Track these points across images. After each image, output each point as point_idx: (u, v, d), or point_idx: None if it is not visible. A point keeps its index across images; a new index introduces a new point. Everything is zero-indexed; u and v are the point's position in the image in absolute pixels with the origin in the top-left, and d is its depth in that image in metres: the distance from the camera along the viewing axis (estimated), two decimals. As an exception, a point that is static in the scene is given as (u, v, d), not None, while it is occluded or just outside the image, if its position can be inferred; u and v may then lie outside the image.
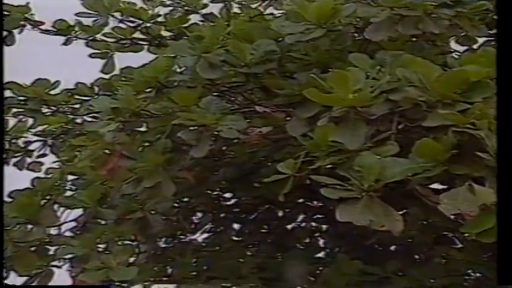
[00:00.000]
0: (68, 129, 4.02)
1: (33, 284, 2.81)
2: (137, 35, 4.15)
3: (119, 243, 2.89)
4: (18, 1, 4.06)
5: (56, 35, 4.12)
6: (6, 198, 2.95)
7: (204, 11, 4.12)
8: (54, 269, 2.85)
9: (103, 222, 2.99)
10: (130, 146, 2.83)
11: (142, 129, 3.00)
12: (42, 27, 4.10)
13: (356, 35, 2.83)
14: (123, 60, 4.04)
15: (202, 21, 4.10)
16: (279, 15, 3.46)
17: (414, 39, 2.83)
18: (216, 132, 2.54)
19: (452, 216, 1.90)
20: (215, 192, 4.10)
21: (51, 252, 2.88)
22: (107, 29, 4.07)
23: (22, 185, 3.11)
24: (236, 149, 3.56)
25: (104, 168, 2.74)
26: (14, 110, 3.99)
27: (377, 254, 3.78)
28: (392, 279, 3.56)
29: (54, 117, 3.98)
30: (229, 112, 2.65)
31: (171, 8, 4.12)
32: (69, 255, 2.83)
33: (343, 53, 2.70)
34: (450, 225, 3.38)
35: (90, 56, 4.11)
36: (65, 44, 4.13)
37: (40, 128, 4.13)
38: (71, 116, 4.01)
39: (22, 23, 4.00)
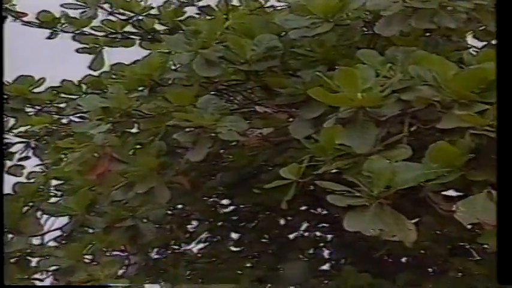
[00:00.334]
0: (53, 130, 4.02)
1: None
2: (128, 28, 4.16)
3: (108, 253, 2.89)
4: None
5: (39, 27, 4.13)
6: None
7: (200, 3, 4.13)
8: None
9: (90, 230, 2.99)
10: (121, 148, 2.84)
11: (135, 130, 3.00)
12: (25, 18, 4.10)
13: (365, 29, 2.84)
14: (113, 55, 4.05)
15: (198, 14, 4.11)
16: (281, 8, 3.47)
17: (428, 34, 2.83)
18: (214, 134, 2.55)
19: (469, 226, 1.90)
20: (212, 199, 4.10)
21: (33, 264, 2.89)
22: (95, 22, 4.08)
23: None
24: (235, 152, 3.57)
25: (92, 172, 2.74)
26: (-6, 109, 3.99)
27: (387, 267, 3.79)
28: (403, 294, 3.57)
29: (38, 117, 3.98)
30: (228, 112, 2.66)
31: (165, -1, 4.14)
32: (53, 267, 2.84)
33: (351, 49, 2.71)
34: (467, 235, 3.38)
35: (77, 50, 4.12)
36: (49, 37, 4.14)
37: (22, 128, 4.13)
38: (56, 116, 4.01)
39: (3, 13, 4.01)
